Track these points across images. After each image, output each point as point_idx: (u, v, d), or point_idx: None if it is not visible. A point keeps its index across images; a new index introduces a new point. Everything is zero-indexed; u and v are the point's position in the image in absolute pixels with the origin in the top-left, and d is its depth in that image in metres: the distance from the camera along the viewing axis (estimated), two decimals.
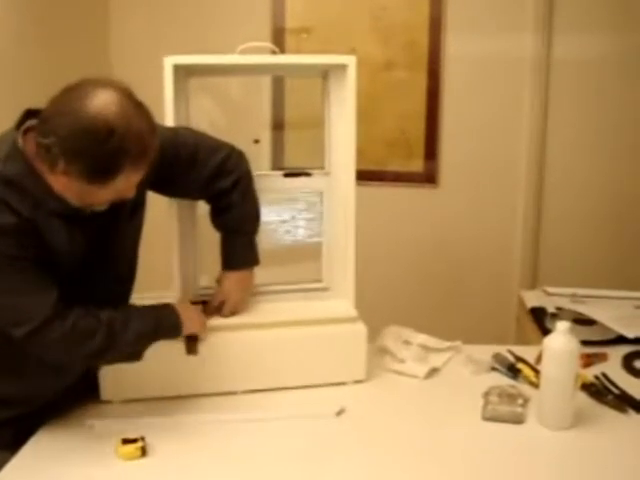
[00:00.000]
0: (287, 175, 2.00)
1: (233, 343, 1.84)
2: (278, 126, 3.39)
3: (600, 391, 1.82)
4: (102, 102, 1.40)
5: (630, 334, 2.12)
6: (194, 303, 1.90)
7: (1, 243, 1.43)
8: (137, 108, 1.45)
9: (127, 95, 1.45)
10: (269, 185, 1.98)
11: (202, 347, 1.79)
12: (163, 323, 1.71)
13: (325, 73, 1.94)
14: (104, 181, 1.44)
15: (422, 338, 2.09)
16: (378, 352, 2.05)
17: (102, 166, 1.41)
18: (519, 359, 1.98)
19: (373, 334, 2.01)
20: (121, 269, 1.74)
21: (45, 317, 1.49)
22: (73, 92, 1.42)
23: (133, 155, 1.43)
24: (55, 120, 1.40)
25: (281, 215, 2.03)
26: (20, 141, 1.47)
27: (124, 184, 1.47)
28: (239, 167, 1.84)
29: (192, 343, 1.78)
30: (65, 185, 1.46)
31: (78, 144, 1.39)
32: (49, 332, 1.50)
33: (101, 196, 1.49)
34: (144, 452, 1.54)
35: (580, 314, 2.23)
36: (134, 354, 1.68)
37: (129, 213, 1.67)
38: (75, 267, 1.58)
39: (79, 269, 1.59)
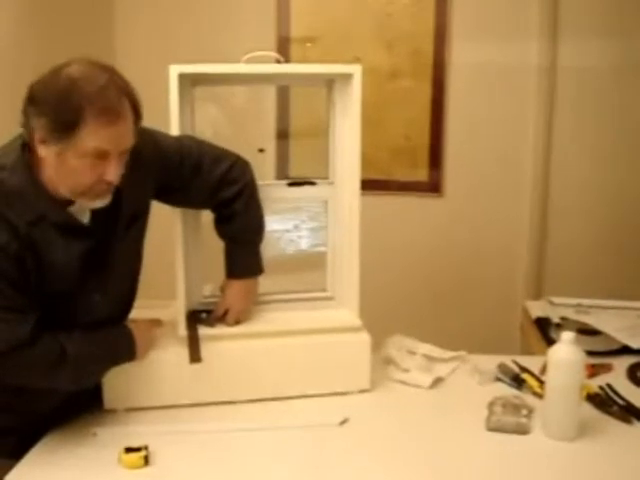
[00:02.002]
0: (292, 184, 2.00)
1: (237, 352, 1.84)
2: (283, 135, 3.39)
3: (605, 402, 1.82)
4: (71, 66, 1.44)
5: (635, 345, 2.11)
6: (197, 312, 1.90)
7: None
8: (105, 68, 1.47)
9: (98, 62, 1.48)
10: (274, 194, 1.98)
11: (205, 356, 1.79)
12: (120, 353, 1.73)
13: (330, 82, 1.95)
14: (69, 133, 1.41)
15: (426, 348, 2.09)
16: (382, 362, 2.05)
17: (64, 115, 1.41)
18: (524, 369, 1.97)
19: (377, 344, 2.00)
20: (119, 281, 1.72)
21: (12, 345, 1.49)
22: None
23: (94, 104, 1.41)
24: (30, 94, 1.44)
25: (286, 224, 2.04)
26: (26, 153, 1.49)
27: (93, 142, 1.43)
28: (243, 176, 1.84)
29: (195, 351, 1.78)
30: (48, 162, 1.46)
31: (43, 98, 1.42)
32: (13, 360, 1.51)
33: (77, 163, 1.45)
34: (147, 461, 1.54)
35: (585, 324, 2.23)
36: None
37: (126, 223, 1.66)
38: (71, 280, 1.57)
39: (76, 282, 1.58)
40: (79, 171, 1.46)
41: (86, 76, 1.43)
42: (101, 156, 1.46)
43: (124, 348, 1.73)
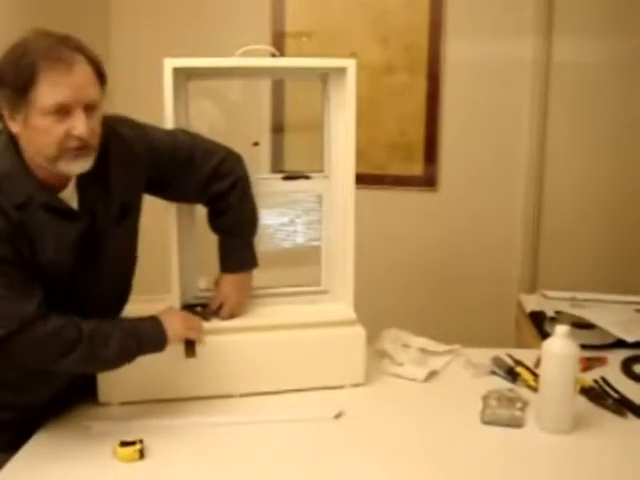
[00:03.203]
0: (286, 178, 2.00)
1: (231, 346, 1.84)
2: (278, 129, 3.39)
3: (599, 395, 1.82)
4: (26, 35, 1.46)
5: (629, 338, 2.12)
6: (192, 306, 1.90)
7: None
8: (61, 34, 1.48)
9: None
10: (268, 188, 1.98)
11: (200, 350, 1.79)
12: (146, 340, 1.67)
13: (325, 76, 1.94)
14: (27, 94, 1.42)
15: (421, 341, 2.09)
16: (377, 355, 2.05)
17: (19, 77, 1.41)
18: (518, 363, 1.98)
19: (372, 337, 2.00)
20: (112, 275, 1.70)
21: (23, 322, 1.47)
22: None
23: (46, 58, 1.42)
24: None
25: (280, 218, 2.03)
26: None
27: (51, 96, 1.43)
28: (235, 170, 1.84)
29: (190, 346, 1.78)
30: (21, 136, 1.47)
31: (1, 72, 1.43)
32: (26, 337, 1.48)
33: (41, 123, 1.44)
34: (142, 455, 1.54)
35: (579, 318, 2.23)
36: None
37: (117, 215, 1.65)
38: (64, 270, 1.56)
39: (68, 273, 1.57)
40: (45, 130, 1.45)
41: (38, 37, 1.45)
42: (63, 110, 1.44)
43: (150, 332, 1.68)
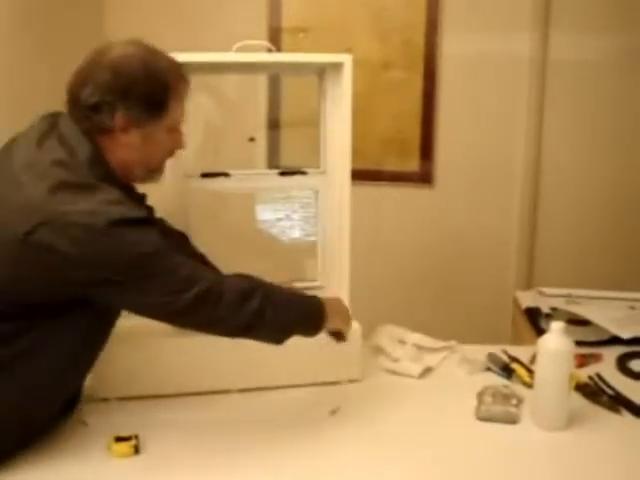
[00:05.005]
0: (282, 174, 1.99)
1: (228, 342, 1.83)
2: (274, 124, 3.38)
3: (594, 392, 1.82)
4: (126, 47, 1.46)
5: (624, 335, 2.12)
6: None
7: (156, 230, 1.42)
8: (144, 44, 1.50)
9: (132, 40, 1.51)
10: (264, 184, 1.98)
11: (197, 346, 1.78)
12: (309, 309, 1.66)
13: (321, 72, 1.94)
14: (161, 110, 1.45)
15: (417, 337, 2.09)
16: (373, 351, 2.05)
17: (154, 94, 1.44)
18: (513, 359, 1.98)
19: (368, 333, 2.01)
20: None
21: (212, 279, 1.49)
22: (86, 59, 1.45)
23: (174, 76, 1.47)
24: (89, 81, 1.41)
25: (276, 213, 2.03)
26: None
27: (179, 112, 1.50)
28: None
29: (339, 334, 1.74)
30: (130, 147, 1.46)
31: (123, 86, 1.41)
32: (215, 291, 1.48)
33: (164, 138, 1.49)
34: (137, 450, 1.54)
35: (575, 315, 2.23)
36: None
37: None
38: None
39: None
40: (164, 145, 1.52)
41: (159, 55, 1.48)
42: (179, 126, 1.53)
43: (314, 306, 1.67)
